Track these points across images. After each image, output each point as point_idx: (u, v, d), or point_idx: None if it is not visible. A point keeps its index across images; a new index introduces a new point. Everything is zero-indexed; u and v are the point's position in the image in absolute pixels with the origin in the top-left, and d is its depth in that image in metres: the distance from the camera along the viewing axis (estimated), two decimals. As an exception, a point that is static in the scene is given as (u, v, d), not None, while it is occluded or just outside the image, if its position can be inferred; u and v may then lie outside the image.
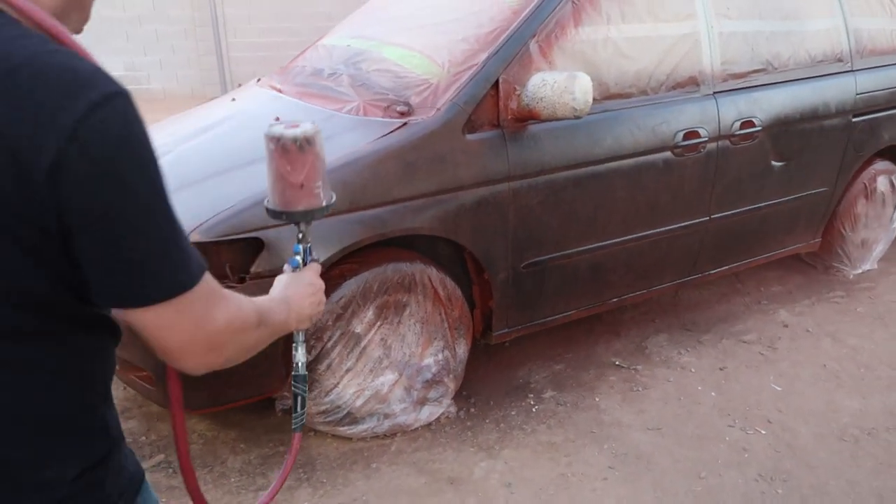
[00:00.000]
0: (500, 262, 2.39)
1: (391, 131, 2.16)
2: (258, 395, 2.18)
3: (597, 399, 2.63)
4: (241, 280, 1.99)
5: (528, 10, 2.34)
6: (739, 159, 2.84)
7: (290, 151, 1.09)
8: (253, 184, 2.03)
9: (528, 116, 2.25)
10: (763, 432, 2.43)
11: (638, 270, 2.80)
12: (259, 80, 3.13)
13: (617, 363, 2.87)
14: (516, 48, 2.28)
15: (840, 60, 3.12)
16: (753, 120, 2.82)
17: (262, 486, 2.16)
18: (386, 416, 2.37)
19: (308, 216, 1.15)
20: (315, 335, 2.14)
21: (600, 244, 2.61)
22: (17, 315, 0.75)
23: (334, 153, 2.12)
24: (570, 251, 2.54)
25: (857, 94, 3.14)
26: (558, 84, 2.15)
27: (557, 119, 2.22)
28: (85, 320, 0.82)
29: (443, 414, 2.50)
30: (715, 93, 2.74)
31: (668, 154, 2.63)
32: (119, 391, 2.59)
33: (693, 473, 2.23)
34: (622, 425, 2.46)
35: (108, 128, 0.73)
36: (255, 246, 1.99)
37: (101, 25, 9.78)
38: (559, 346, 2.99)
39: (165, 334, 0.81)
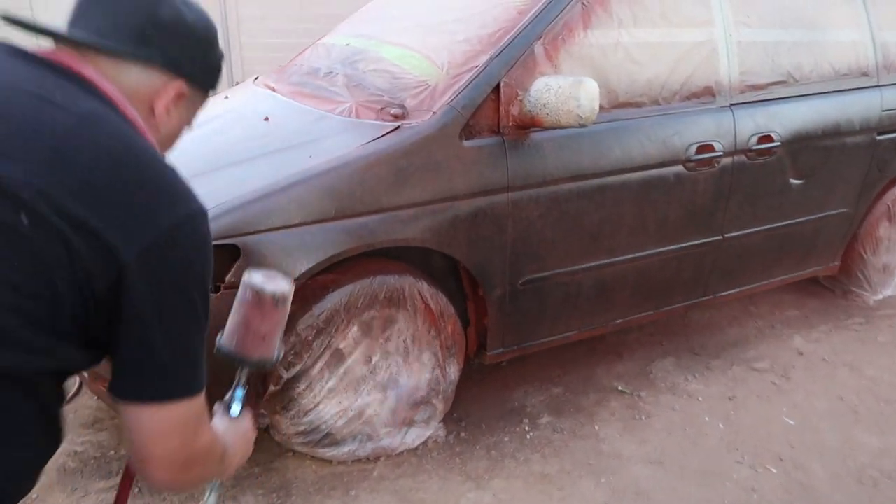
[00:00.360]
0: (497, 277, 2.24)
1: (382, 135, 2.02)
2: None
3: (596, 427, 2.46)
4: (216, 289, 1.86)
5: (534, 10, 2.20)
6: (756, 176, 2.67)
7: (265, 304, 1.11)
8: (232, 187, 1.90)
9: (530, 123, 2.11)
10: (774, 470, 2.26)
11: (645, 290, 2.65)
12: (256, 78, 3.00)
13: (619, 388, 2.71)
14: (520, 50, 2.13)
15: (866, 75, 2.96)
16: (772, 134, 2.66)
17: (233, 511, 2.02)
18: (369, 438, 2.22)
19: (258, 365, 1.16)
20: (294, 351, 1.99)
21: (605, 261, 2.45)
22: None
23: (321, 156, 1.98)
24: (572, 268, 2.39)
25: (883, 111, 2.97)
26: (563, 90, 2.01)
27: (561, 127, 2.07)
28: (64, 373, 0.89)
29: (430, 438, 2.34)
30: (731, 105, 2.59)
31: (679, 168, 2.47)
32: (91, 401, 2.46)
33: (697, 513, 2.07)
34: (622, 457, 2.30)
35: (190, 241, 0.85)
36: (231, 253, 1.85)
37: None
38: (558, 368, 2.83)
39: (154, 439, 0.87)
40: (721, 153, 2.54)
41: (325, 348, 2.04)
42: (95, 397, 2.39)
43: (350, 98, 2.25)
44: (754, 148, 2.63)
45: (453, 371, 2.32)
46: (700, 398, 2.65)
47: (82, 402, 2.47)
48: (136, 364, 0.85)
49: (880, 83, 2.99)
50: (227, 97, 2.73)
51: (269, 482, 2.15)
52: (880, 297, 3.45)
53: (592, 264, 2.42)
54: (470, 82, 2.08)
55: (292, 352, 1.99)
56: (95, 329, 0.84)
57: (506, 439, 2.39)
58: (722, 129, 2.54)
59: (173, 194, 0.86)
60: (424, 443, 2.33)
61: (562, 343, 2.57)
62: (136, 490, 2.08)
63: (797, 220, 2.90)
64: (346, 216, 1.95)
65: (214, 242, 1.81)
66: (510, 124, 2.12)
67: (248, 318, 1.12)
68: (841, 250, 3.22)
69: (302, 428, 2.11)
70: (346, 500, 2.08)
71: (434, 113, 2.06)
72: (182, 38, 0.97)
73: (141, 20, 0.92)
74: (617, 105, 2.34)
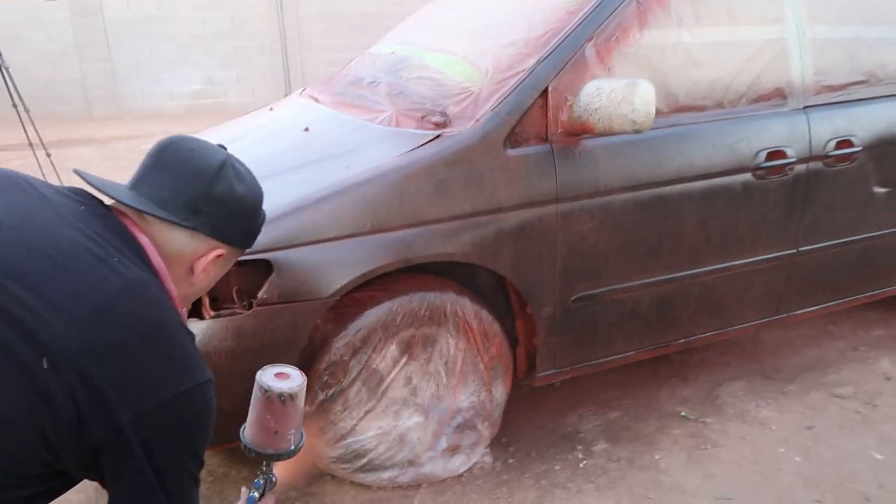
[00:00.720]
0: (546, 294, 2.10)
1: (421, 144, 1.92)
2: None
3: (656, 457, 2.28)
4: (248, 306, 1.79)
5: (584, 10, 2.06)
6: (834, 184, 2.44)
7: (273, 403, 1.17)
8: (266, 199, 1.83)
9: (580, 130, 1.97)
10: (859, 512, 2.03)
11: (711, 308, 2.45)
12: (304, 90, 2.97)
13: (683, 414, 2.51)
14: (570, 53, 2.00)
15: (959, 72, 2.68)
16: (852, 139, 2.43)
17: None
18: (410, 463, 2.11)
19: (274, 458, 1.23)
20: (329, 371, 1.91)
21: (666, 277, 2.28)
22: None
23: (358, 167, 1.90)
24: (629, 284, 2.22)
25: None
26: (615, 93, 1.86)
27: (614, 133, 1.92)
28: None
29: (476, 464, 2.21)
30: (806, 107, 2.37)
31: (747, 176, 2.27)
32: None
33: (769, 558, 1.86)
34: (685, 491, 2.11)
35: (189, 411, 0.95)
36: (264, 269, 1.79)
37: (182, 42, 10.12)
38: (616, 390, 2.65)
39: None
40: (794, 160, 2.33)
41: (361, 368, 1.94)
42: None
43: (391, 107, 2.16)
44: (832, 154, 2.40)
45: (500, 393, 2.18)
46: (773, 427, 2.42)
47: None
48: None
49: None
50: (271, 109, 2.70)
51: (306, 507, 2.07)
52: (980, 316, 3.12)
53: (651, 280, 2.25)
54: (515, 87, 1.96)
55: (327, 371, 1.91)
56: (71, 462, 0.91)
57: (557, 467, 2.24)
58: (794, 134, 2.33)
59: (184, 367, 0.95)
60: (470, 469, 2.21)
61: (619, 364, 2.40)
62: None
63: (883, 231, 2.64)
64: (383, 230, 1.85)
65: (246, 258, 1.76)
66: (559, 131, 1.99)
67: (260, 415, 1.20)
68: (934, 265, 2.92)
69: (339, 452, 2.02)
70: (384, 530, 1.97)
71: (477, 120, 1.94)
72: (229, 211, 1.09)
73: (196, 194, 1.05)
74: (677, 109, 2.17)
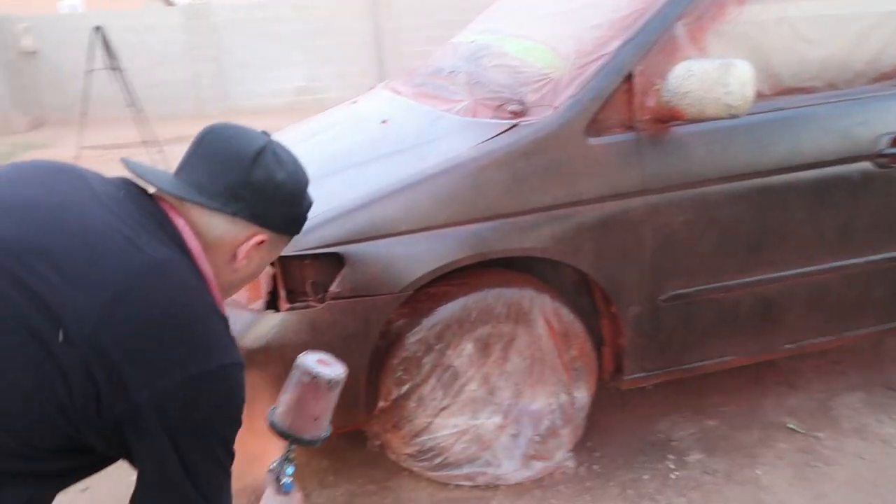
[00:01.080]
0: (633, 292, 1.97)
1: (497, 134, 1.84)
2: (341, 427, 1.96)
3: (758, 471, 2.09)
4: (321, 300, 1.78)
5: (676, -14, 1.91)
6: (972, 172, 2.15)
7: (320, 388, 1.16)
8: (338, 193, 1.82)
9: (669, 116, 1.83)
10: None
11: (823, 311, 2.22)
12: (387, 82, 2.95)
13: (790, 426, 2.29)
14: (657, 33, 1.86)
15: None
16: None
17: (342, 532, 1.93)
18: (488, 464, 2.05)
19: (308, 444, 1.21)
20: (402, 367, 1.87)
21: (770, 276, 2.09)
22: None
23: (433, 158, 1.85)
24: (726, 283, 2.05)
25: None
26: (708, 75, 1.71)
27: (707, 119, 1.77)
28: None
29: (558, 468, 2.11)
30: (938, 85, 2.10)
31: (866, 164, 2.04)
32: None
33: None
34: (788, 511, 1.92)
35: (213, 392, 0.93)
36: (336, 262, 1.77)
37: (284, 39, 10.49)
38: (715, 396, 2.47)
39: None
40: (923, 145, 2.07)
41: (436, 365, 1.90)
42: None
43: (469, 96, 2.09)
44: (969, 137, 2.12)
45: (583, 396, 2.07)
46: (896, 445, 2.17)
47: None
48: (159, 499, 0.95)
49: None
50: (355, 102, 2.70)
51: (382, 501, 2.05)
52: None
53: (752, 279, 2.07)
54: (598, 72, 1.85)
55: (401, 367, 1.87)
56: (91, 436, 0.91)
57: (645, 477, 2.10)
58: (925, 116, 2.07)
59: (208, 348, 0.94)
60: (551, 474, 2.11)
61: (716, 369, 2.23)
62: None
63: None
64: (457, 223, 1.80)
65: (318, 251, 1.76)
66: (646, 118, 1.85)
67: (302, 399, 1.17)
68: None
69: (415, 448, 1.98)
70: (458, 533, 1.91)
71: (556, 108, 1.84)
72: (269, 196, 1.08)
73: (236, 180, 1.05)
74: (781, 91, 1.98)
